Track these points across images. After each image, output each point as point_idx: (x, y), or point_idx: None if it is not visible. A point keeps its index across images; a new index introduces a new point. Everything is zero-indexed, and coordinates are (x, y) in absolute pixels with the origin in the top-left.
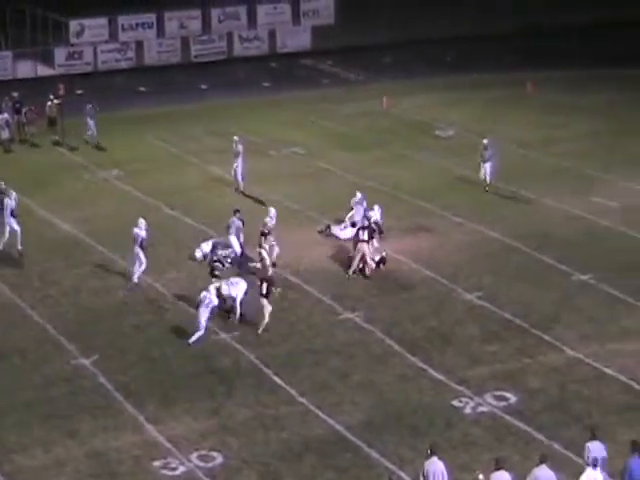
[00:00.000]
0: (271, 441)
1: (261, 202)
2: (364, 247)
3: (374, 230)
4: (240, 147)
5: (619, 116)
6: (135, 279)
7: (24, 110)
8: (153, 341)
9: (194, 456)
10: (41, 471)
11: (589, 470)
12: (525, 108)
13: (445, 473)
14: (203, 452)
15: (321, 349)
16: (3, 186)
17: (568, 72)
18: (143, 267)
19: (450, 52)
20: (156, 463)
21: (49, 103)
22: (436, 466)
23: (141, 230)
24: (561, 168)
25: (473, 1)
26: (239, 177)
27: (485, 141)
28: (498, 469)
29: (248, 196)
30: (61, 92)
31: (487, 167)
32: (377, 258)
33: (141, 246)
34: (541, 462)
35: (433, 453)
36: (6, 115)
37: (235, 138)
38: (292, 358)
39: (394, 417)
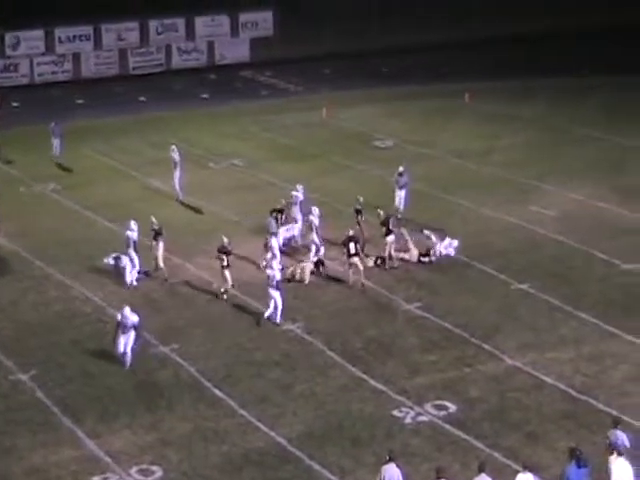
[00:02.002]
0: (211, 454)
1: (199, 211)
2: (357, 261)
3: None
4: (177, 156)
5: (554, 126)
6: (134, 281)
7: None
8: (92, 355)
9: (134, 470)
10: None
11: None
12: (463, 118)
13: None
14: (143, 466)
15: (262, 361)
16: None
17: (505, 83)
18: (137, 268)
19: (387, 64)
20: (95, 478)
21: None
22: (393, 471)
23: (133, 232)
24: (498, 178)
25: (410, 13)
26: (177, 187)
27: (401, 168)
28: (439, 478)
29: (187, 206)
30: None
31: (402, 194)
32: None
33: (134, 248)
34: (480, 470)
35: (391, 459)
36: None
37: (172, 147)
38: (232, 370)
39: (335, 428)
